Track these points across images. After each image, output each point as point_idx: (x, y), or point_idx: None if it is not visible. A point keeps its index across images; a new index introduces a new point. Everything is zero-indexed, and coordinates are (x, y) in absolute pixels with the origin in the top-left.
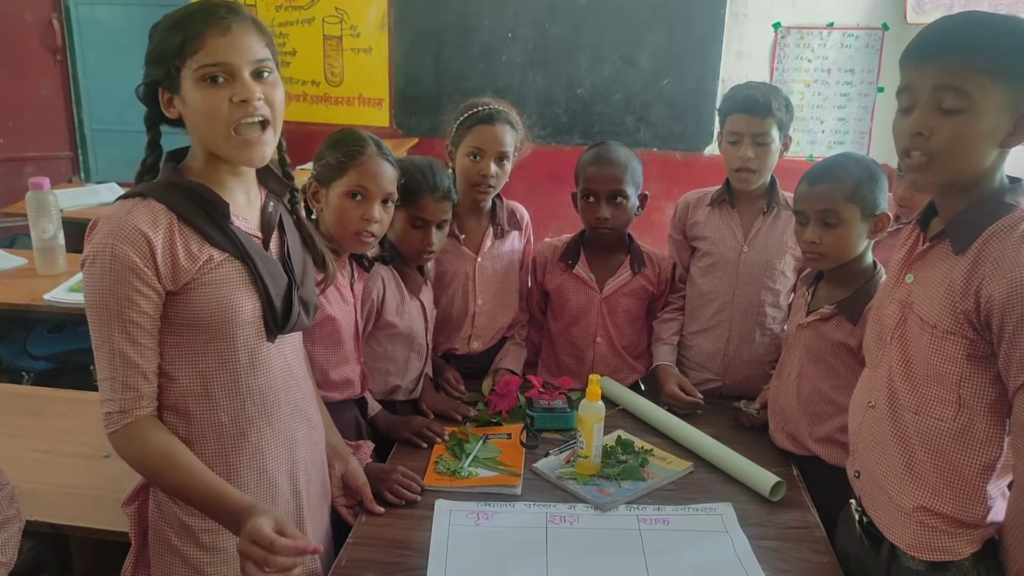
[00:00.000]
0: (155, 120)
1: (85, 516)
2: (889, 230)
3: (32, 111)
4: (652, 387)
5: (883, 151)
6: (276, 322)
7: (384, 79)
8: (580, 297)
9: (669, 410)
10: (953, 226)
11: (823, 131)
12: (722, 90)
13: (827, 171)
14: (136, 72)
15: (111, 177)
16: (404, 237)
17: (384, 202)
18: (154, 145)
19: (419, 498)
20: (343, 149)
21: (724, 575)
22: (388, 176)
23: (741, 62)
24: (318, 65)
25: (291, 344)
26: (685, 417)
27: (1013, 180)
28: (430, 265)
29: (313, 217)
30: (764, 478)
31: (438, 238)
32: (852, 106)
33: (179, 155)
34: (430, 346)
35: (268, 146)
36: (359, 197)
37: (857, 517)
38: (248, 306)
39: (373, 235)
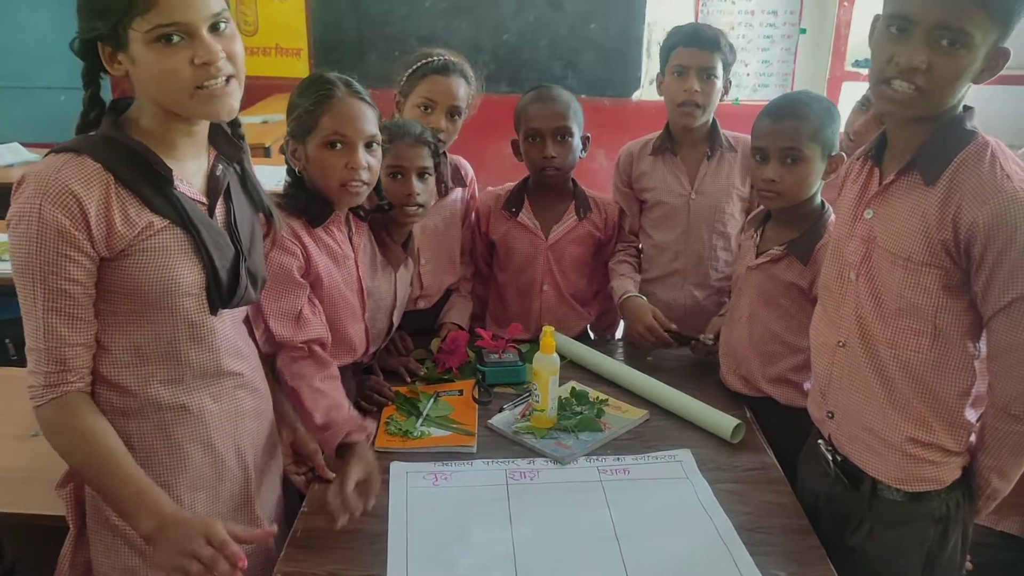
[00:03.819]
0: (94, 76)
1: (15, 501)
2: None
3: None
4: (604, 333)
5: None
6: (221, 296)
7: (301, 27)
8: (525, 245)
9: (639, 348)
10: (921, 157)
11: (747, 74)
12: (648, 35)
13: (792, 108)
14: (38, 26)
15: (13, 137)
16: (385, 189)
17: (368, 146)
18: (95, 100)
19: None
20: (310, 97)
21: (689, 522)
22: (367, 117)
23: (666, 6)
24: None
25: (235, 316)
26: (636, 363)
27: (966, 108)
28: (419, 242)
29: (299, 175)
30: (723, 421)
31: (422, 188)
32: (775, 48)
33: (120, 107)
34: (395, 323)
35: (234, 98)
36: (338, 146)
37: (830, 457)
38: (190, 278)
39: (363, 183)
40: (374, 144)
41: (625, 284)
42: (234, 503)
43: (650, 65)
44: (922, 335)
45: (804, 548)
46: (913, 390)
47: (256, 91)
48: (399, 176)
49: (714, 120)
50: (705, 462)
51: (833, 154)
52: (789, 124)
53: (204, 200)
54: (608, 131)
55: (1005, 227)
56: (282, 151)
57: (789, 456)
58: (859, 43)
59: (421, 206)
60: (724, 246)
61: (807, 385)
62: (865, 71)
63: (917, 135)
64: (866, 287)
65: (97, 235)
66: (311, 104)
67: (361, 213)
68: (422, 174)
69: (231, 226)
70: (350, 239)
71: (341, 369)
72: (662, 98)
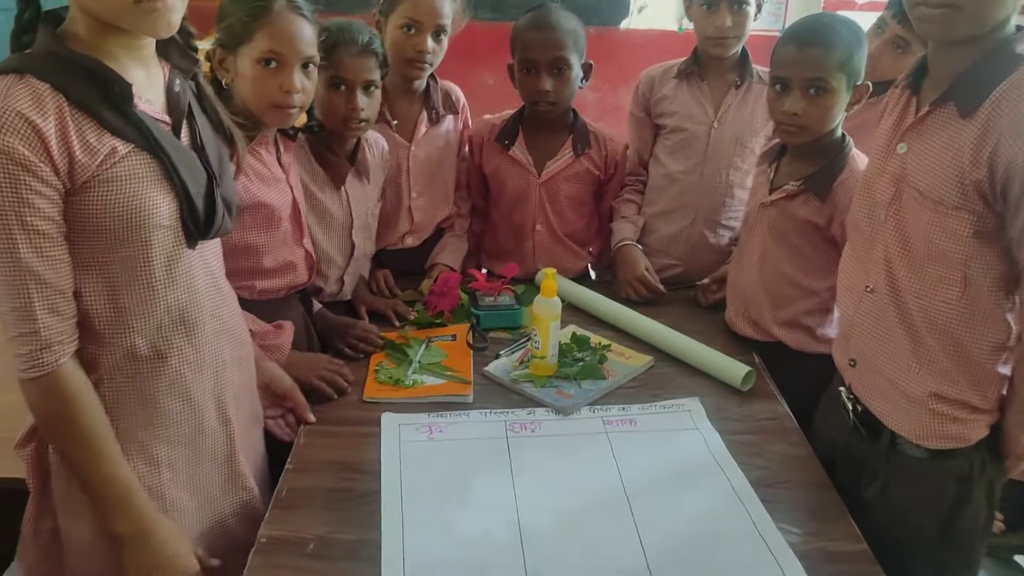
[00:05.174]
0: None
1: None
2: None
3: None
4: (605, 274)
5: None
6: (198, 226)
7: None
8: (517, 181)
9: (625, 299)
10: (959, 86)
11: None
12: None
13: (819, 34)
14: None
15: None
16: (325, 104)
17: (304, 67)
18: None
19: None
20: (247, 5)
21: (701, 477)
22: (305, 36)
23: None
24: None
25: (212, 251)
26: (638, 307)
27: (1019, 28)
28: (370, 156)
29: (225, 87)
30: (734, 368)
31: (366, 104)
32: None
33: (55, 19)
34: (360, 247)
35: (176, 12)
36: (273, 64)
37: (851, 406)
38: (164, 207)
39: (296, 106)
40: (311, 65)
41: (624, 229)
42: (216, 460)
43: None
44: (952, 284)
45: (824, 503)
46: (940, 343)
47: (212, 16)
48: (341, 88)
49: (744, 49)
50: (715, 411)
51: (858, 83)
52: (815, 52)
53: (167, 119)
54: (594, 61)
55: None
56: (207, 58)
57: (800, 405)
58: None
59: (365, 121)
60: (740, 183)
61: (820, 330)
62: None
63: (959, 60)
64: (894, 230)
65: (60, 165)
66: (246, 15)
67: (290, 132)
68: (368, 86)
69: (199, 148)
70: (279, 160)
71: (286, 298)
72: (653, 27)
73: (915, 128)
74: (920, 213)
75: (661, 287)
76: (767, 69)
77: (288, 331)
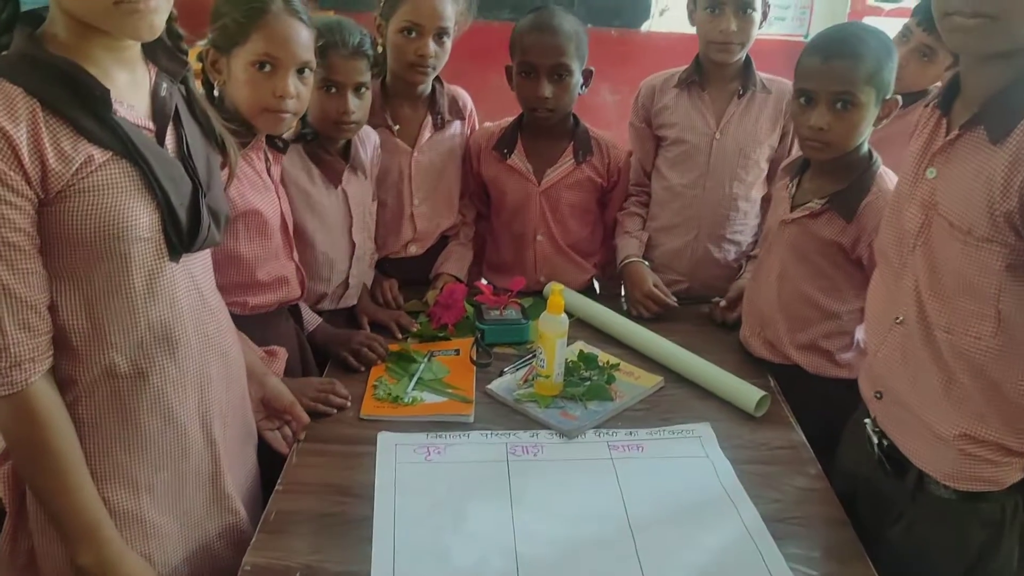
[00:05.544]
0: None
1: None
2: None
3: None
4: (609, 287)
5: (824, 26)
6: (181, 238)
7: None
8: (516, 190)
9: (636, 315)
10: (989, 109)
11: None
12: None
13: (846, 45)
14: None
15: None
16: (316, 106)
17: (300, 72)
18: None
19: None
20: (242, 6)
21: (710, 508)
22: (302, 40)
23: None
24: None
25: (200, 263)
26: (648, 323)
27: None
28: (363, 152)
29: (216, 93)
30: (747, 392)
31: (357, 106)
32: None
33: (34, 19)
34: (361, 246)
35: (160, 14)
36: (268, 68)
37: (876, 440)
38: (144, 218)
39: (290, 112)
40: (306, 70)
41: (629, 246)
42: (200, 481)
43: None
44: (984, 320)
45: (841, 542)
46: (972, 381)
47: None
48: (332, 90)
49: (748, 57)
50: (727, 437)
51: (887, 97)
52: (842, 65)
53: (151, 126)
54: (614, 64)
55: None
56: (200, 59)
57: (816, 433)
58: None
59: (356, 123)
60: (744, 195)
61: (840, 355)
62: (888, 6)
63: (991, 79)
64: (924, 260)
65: (32, 174)
66: (241, 16)
67: (279, 144)
68: (358, 89)
69: (185, 156)
70: (268, 170)
71: (278, 312)
72: (674, 30)
73: (944, 152)
74: (950, 244)
75: (672, 300)
76: (771, 77)
77: (280, 359)
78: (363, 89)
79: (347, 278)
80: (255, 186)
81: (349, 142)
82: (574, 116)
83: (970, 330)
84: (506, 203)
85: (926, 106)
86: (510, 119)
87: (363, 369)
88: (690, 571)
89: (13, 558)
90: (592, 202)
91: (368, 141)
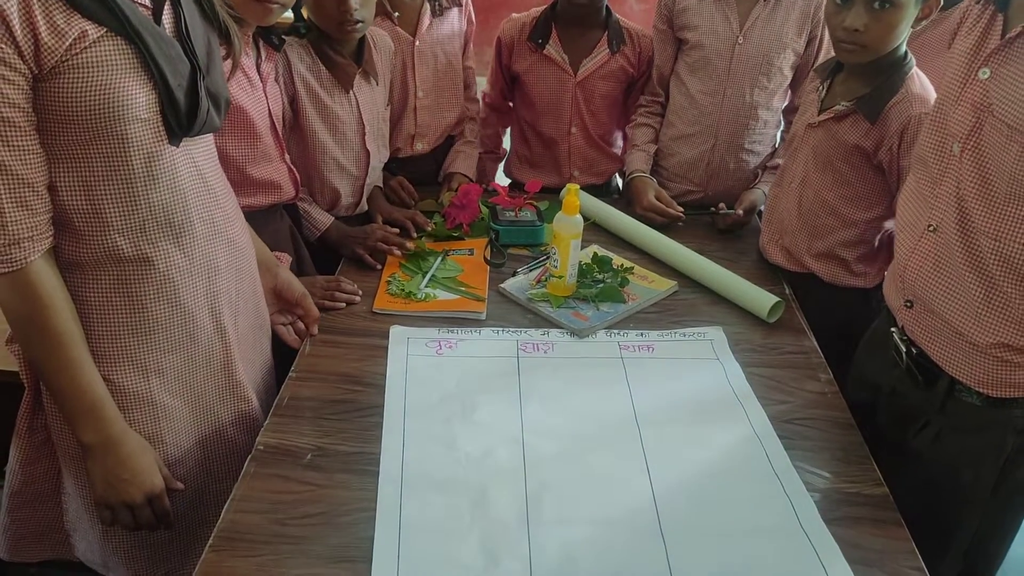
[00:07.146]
0: None
1: None
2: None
3: None
4: (625, 197)
5: None
6: (179, 120)
7: None
8: (551, 82)
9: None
10: None
11: None
12: None
13: None
14: None
15: None
16: (317, 5)
17: None
18: None
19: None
20: None
21: (718, 408)
22: None
23: None
24: None
25: (203, 149)
26: (664, 230)
27: None
28: (376, 54)
29: None
30: (760, 298)
31: (360, 3)
32: None
33: None
34: (375, 155)
35: None
36: None
37: (904, 349)
38: (140, 98)
39: (277, 2)
40: None
41: (636, 160)
42: (212, 369)
43: None
44: None
45: (846, 444)
46: (1017, 290)
47: None
48: None
49: None
50: (739, 342)
51: None
52: None
53: (147, 2)
54: None
55: None
56: None
57: (828, 341)
58: None
59: (361, 22)
60: (765, 104)
61: (856, 264)
62: None
63: None
64: (972, 164)
65: (25, 48)
66: None
67: (274, 40)
68: None
69: (183, 36)
70: (257, 65)
71: (269, 211)
72: None
73: (1001, 52)
74: (1006, 148)
75: (676, 209)
76: None
77: (285, 264)
78: None
79: (362, 185)
80: (239, 82)
81: (362, 46)
82: (606, 5)
83: (1019, 237)
84: (539, 96)
85: (975, 1)
86: (537, 9)
87: (379, 267)
88: (694, 467)
89: (32, 434)
90: (621, 91)
91: (383, 45)
